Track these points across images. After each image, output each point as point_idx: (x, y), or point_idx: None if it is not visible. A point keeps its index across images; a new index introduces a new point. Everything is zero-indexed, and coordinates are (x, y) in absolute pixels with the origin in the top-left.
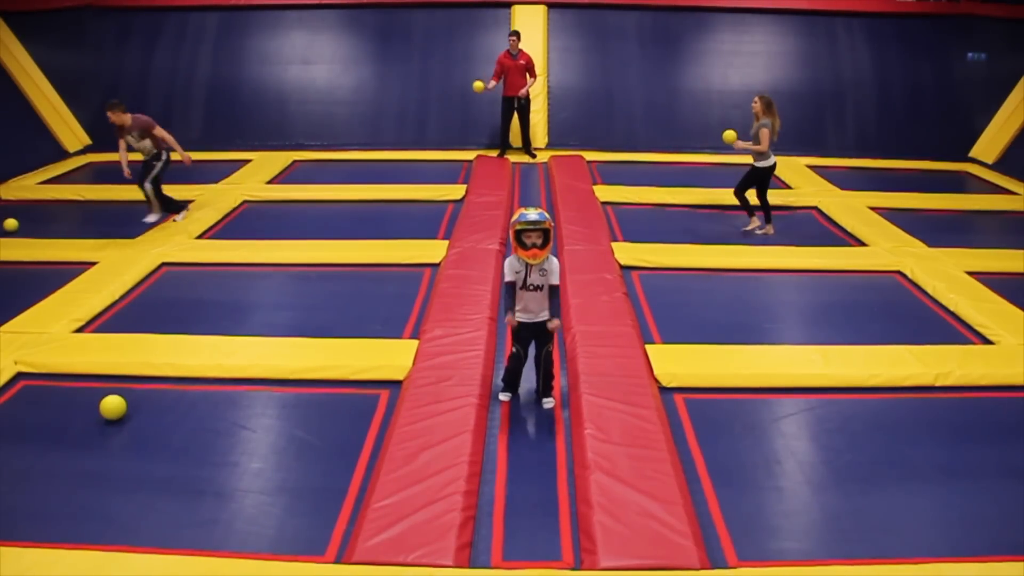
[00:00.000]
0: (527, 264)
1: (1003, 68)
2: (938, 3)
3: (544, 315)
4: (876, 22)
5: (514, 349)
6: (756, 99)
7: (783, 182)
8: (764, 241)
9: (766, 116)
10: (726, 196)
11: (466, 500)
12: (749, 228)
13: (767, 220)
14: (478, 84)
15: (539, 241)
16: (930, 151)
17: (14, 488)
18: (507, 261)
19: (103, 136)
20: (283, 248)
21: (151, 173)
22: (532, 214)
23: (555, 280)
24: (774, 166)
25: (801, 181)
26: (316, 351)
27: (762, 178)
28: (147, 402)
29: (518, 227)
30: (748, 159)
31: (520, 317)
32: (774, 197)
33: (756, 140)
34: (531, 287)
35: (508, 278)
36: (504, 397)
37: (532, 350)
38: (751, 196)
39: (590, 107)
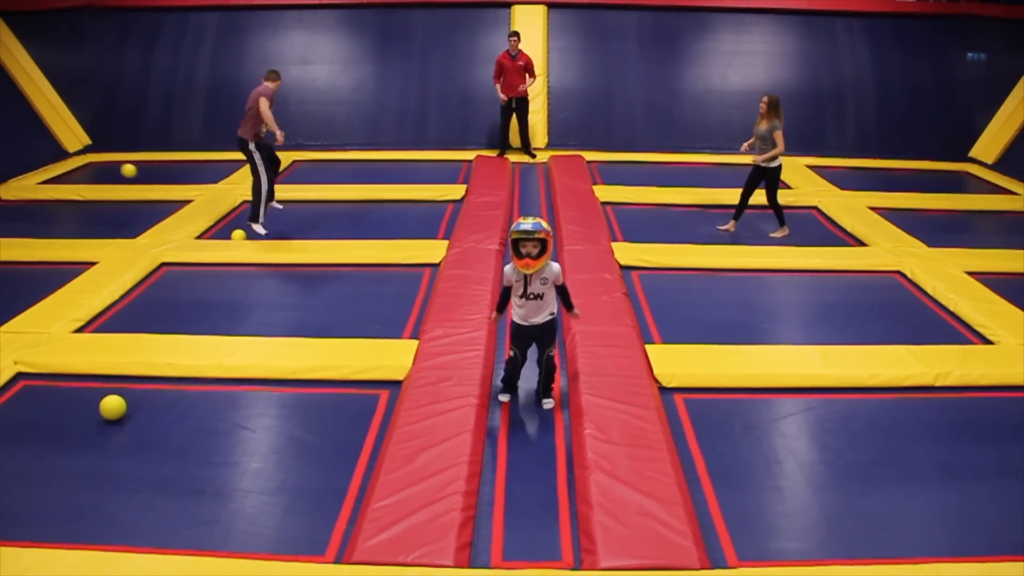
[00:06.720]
0: (525, 274)
1: (1003, 68)
2: (938, 3)
3: (545, 317)
4: (876, 22)
5: (512, 353)
6: (764, 99)
7: (783, 182)
8: (764, 241)
9: (775, 117)
10: (726, 196)
11: (466, 500)
12: (777, 234)
13: (781, 222)
14: None
15: (534, 251)
16: (930, 151)
17: (14, 488)
18: (507, 267)
19: (103, 136)
20: (283, 248)
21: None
22: (527, 223)
23: (560, 282)
24: (780, 167)
25: (801, 181)
26: (316, 351)
27: (771, 179)
28: (147, 402)
29: (514, 236)
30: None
31: (521, 321)
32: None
33: (772, 144)
34: (532, 296)
35: (506, 283)
36: (503, 398)
37: (532, 353)
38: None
39: (590, 107)
